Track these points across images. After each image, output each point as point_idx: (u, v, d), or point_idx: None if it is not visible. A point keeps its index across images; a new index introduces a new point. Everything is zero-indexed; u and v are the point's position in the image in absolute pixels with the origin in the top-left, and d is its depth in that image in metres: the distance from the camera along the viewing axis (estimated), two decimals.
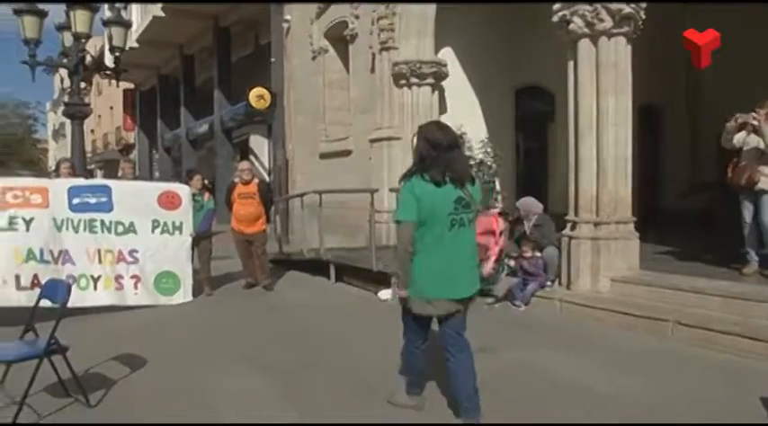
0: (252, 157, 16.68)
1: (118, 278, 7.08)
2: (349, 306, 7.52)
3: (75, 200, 7.00)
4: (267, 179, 14.43)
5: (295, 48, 13.36)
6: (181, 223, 7.48)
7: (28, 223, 6.74)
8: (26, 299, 6.35)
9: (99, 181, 8.72)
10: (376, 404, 4.10)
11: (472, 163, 9.90)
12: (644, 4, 6.42)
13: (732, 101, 6.61)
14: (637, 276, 6.42)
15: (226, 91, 18.32)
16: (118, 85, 25.94)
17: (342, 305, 7.61)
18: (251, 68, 16.88)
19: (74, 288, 5.14)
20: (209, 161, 19.17)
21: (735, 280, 5.95)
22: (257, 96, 13.87)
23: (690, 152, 12.29)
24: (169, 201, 7.45)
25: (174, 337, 6.12)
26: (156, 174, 23.04)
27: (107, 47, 10.92)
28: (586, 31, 6.46)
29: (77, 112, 10.23)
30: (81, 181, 7.35)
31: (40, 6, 10.48)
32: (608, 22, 6.34)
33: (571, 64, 6.70)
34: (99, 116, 32.87)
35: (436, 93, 10.19)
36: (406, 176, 3.63)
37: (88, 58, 10.80)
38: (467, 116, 10.36)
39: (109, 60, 12.43)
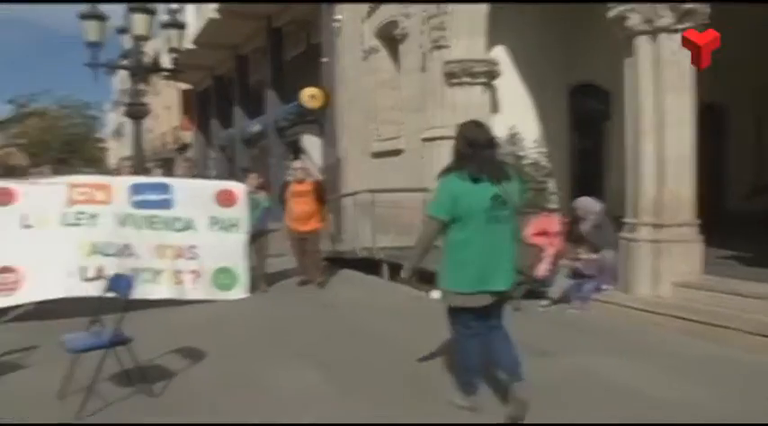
0: (304, 156, 16.86)
1: (177, 272, 7.30)
2: (401, 304, 7.55)
3: (137, 197, 7.28)
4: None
5: (346, 48, 13.46)
6: (237, 220, 7.66)
7: (93, 218, 7.05)
8: (91, 291, 6.62)
9: (159, 178, 9.00)
10: (430, 403, 4.11)
11: (526, 163, 9.81)
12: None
13: None
14: (699, 281, 6.22)
15: (278, 90, 18.57)
16: (177, 86, 26.75)
17: (394, 303, 7.64)
18: (303, 68, 17.06)
19: (136, 281, 5.30)
20: (262, 160, 19.48)
21: None
22: (309, 96, 14.02)
23: (754, 153, 11.84)
24: (226, 199, 7.65)
25: (231, 332, 6.27)
26: (212, 173, 23.53)
27: (165, 48, 11.22)
28: (645, 27, 6.30)
29: (137, 112, 10.56)
30: (142, 179, 7.64)
31: (102, 10, 10.87)
32: (668, 18, 6.16)
33: (628, 61, 6.55)
34: (157, 116, 33.82)
35: (488, 92, 10.10)
36: (445, 172, 3.75)
37: (147, 60, 11.13)
38: (520, 115, 10.26)
39: (167, 62, 12.79)
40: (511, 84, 10.63)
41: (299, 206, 8.34)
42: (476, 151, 3.67)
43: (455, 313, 3.84)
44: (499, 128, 9.66)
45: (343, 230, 12.07)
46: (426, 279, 7.93)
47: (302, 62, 17.44)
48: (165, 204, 7.35)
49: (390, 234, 10.17)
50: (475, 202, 3.62)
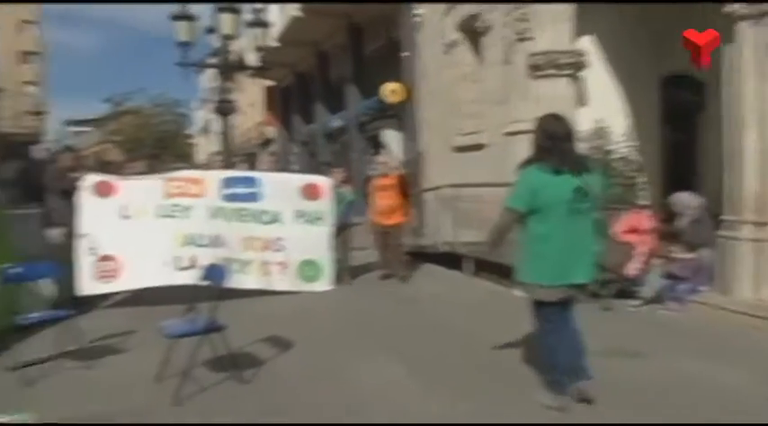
0: (384, 151, 16.95)
1: (265, 264, 7.51)
2: (484, 300, 7.48)
3: (227, 191, 7.55)
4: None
5: (426, 42, 13.39)
6: (323, 213, 7.80)
7: (187, 210, 7.37)
8: (184, 279, 6.93)
9: (249, 172, 9.28)
10: (515, 402, 4.06)
11: (614, 157, 9.47)
12: None
13: None
14: None
15: (359, 86, 18.73)
16: (260, 83, 27.49)
17: (477, 298, 7.58)
18: (383, 63, 17.13)
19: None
20: (343, 154, 19.73)
21: None
22: (390, 91, 14.04)
23: None
24: (312, 192, 7.80)
25: (316, 323, 6.40)
26: (294, 167, 24.05)
27: (250, 47, 11.54)
28: (748, 11, 5.93)
29: (225, 109, 10.95)
30: (233, 173, 7.91)
31: (192, 11, 11.32)
32: None
33: (728, 48, 6.18)
34: (242, 112, 34.90)
35: (575, 84, 9.80)
36: (525, 165, 3.77)
37: (234, 58, 11.49)
38: (608, 108, 9.90)
39: (252, 59, 13.18)
40: (599, 76, 10.27)
41: (383, 200, 8.41)
42: (555, 144, 3.69)
43: (538, 307, 3.84)
44: (586, 121, 9.36)
45: (424, 224, 12.06)
46: (509, 274, 7.88)
47: (382, 57, 17.51)
48: (254, 197, 7.59)
49: (472, 228, 10.05)
50: (556, 194, 3.63)
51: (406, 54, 13.98)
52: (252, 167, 22.26)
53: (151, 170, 13.57)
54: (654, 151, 10.37)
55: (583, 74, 9.93)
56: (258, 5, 12.69)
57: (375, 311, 7.00)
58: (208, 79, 49.64)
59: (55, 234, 6.92)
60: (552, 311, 3.79)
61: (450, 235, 9.32)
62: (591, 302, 6.40)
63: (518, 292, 7.33)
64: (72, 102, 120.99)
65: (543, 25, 9.62)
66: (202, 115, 56.25)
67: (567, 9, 9.50)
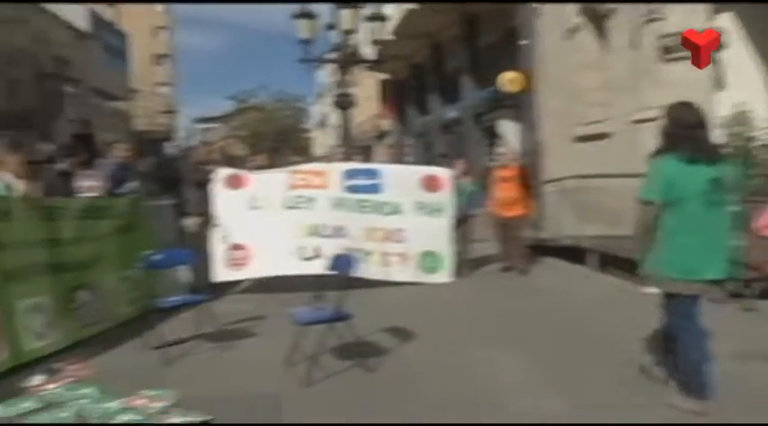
0: (500, 142, 16.64)
1: (386, 254, 7.59)
2: (610, 296, 7.14)
3: (350, 182, 7.70)
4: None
5: (546, 29, 12.94)
6: (443, 205, 7.79)
7: (310, 201, 7.58)
8: (308, 269, 7.21)
9: (370, 165, 9.43)
10: (644, 403, 3.84)
11: (756, 144, 8.72)
12: None
13: None
14: None
15: (474, 76, 18.49)
16: (375, 76, 27.85)
17: (602, 294, 7.25)
18: (499, 52, 16.77)
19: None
20: (458, 146, 19.59)
21: None
22: (508, 80, 13.71)
23: None
24: (432, 184, 7.80)
25: (437, 315, 6.38)
26: (409, 159, 24.20)
27: (366, 41, 11.67)
28: None
29: (345, 103, 11.17)
30: (355, 165, 8.07)
31: (312, 9, 11.63)
32: None
33: None
34: (357, 105, 35.52)
35: (712, 66, 9.09)
36: (657, 154, 3.60)
37: (352, 53, 11.68)
38: (750, 91, 9.12)
39: (369, 53, 13.35)
40: (739, 57, 9.47)
41: (504, 191, 8.25)
42: (687, 132, 3.53)
43: (672, 303, 3.66)
44: (724, 105, 8.69)
45: (543, 217, 11.71)
46: (637, 270, 7.47)
47: (498, 47, 17.15)
48: (375, 189, 7.70)
49: (596, 222, 9.65)
50: (691, 185, 3.48)
51: (524, 42, 13.59)
52: (367, 160, 22.64)
53: (271, 163, 14.12)
54: None
55: (721, 55, 9.20)
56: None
57: (495, 304, 6.87)
58: (325, 74, 51.10)
59: (190, 223, 7.36)
60: (685, 307, 3.61)
61: (573, 228, 8.97)
62: (732, 302, 5.96)
63: (648, 289, 6.96)
64: (200, 100, 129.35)
65: (675, 3, 9.00)
66: (319, 109, 57.92)
67: None
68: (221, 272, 7.30)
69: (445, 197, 7.82)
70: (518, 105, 14.68)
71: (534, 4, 13.09)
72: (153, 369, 4.72)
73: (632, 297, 6.97)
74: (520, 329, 5.77)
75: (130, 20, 50.87)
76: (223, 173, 7.61)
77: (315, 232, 7.52)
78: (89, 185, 6.55)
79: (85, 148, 7.69)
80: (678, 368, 3.76)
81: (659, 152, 3.63)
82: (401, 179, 7.86)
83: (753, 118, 8.87)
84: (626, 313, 6.16)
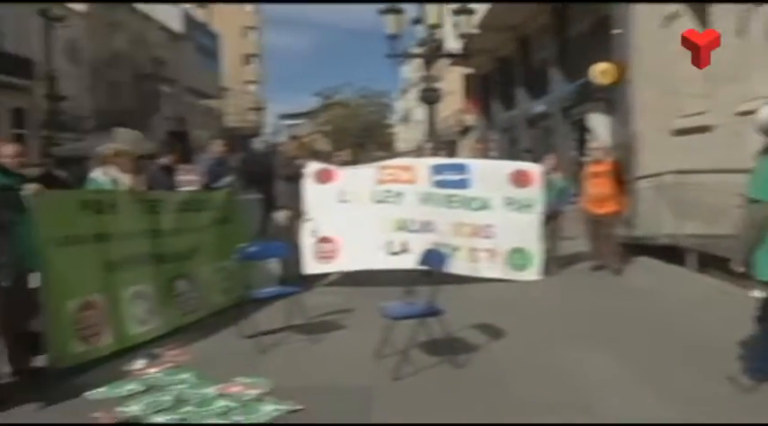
0: (590, 136, 16.11)
1: (474, 250, 7.51)
2: (710, 298, 6.74)
3: (438, 177, 7.66)
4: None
5: (641, 17, 12.36)
6: (533, 201, 7.62)
7: (398, 196, 7.61)
8: (395, 263, 7.25)
9: (458, 160, 9.35)
10: (745, 415, 3.60)
11: None
12: None
13: None
14: None
15: (563, 68, 17.96)
16: (459, 71, 27.64)
17: (701, 296, 6.86)
18: (589, 43, 16.21)
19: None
20: (545, 140, 19.13)
21: None
22: (600, 71, 13.21)
23: None
24: (522, 179, 7.64)
25: (526, 312, 6.24)
26: (493, 155, 23.88)
27: (452, 35, 11.58)
28: None
29: (431, 97, 11.12)
30: (443, 160, 8.02)
31: (399, 5, 11.66)
32: None
33: None
34: (441, 100, 35.36)
35: None
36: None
37: (438, 47, 11.61)
38: None
39: (453, 47, 13.23)
40: None
41: (596, 187, 7.95)
42: None
43: None
44: None
45: (636, 214, 11.23)
46: (741, 272, 7.02)
47: (589, 37, 16.59)
48: (463, 184, 7.63)
49: (695, 219, 9.15)
50: None
51: (617, 31, 13.06)
52: (452, 155, 22.49)
53: (355, 158, 14.29)
54: None
55: None
56: None
57: (585, 303, 6.64)
58: (409, 70, 51.19)
59: (280, 216, 7.54)
60: None
61: (670, 226, 8.54)
62: None
63: (757, 292, 6.53)
64: (286, 97, 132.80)
65: None
66: (402, 105, 58.09)
67: None
68: (311, 265, 7.43)
69: (535, 192, 7.65)
70: (610, 98, 14.15)
71: None
72: (246, 357, 4.86)
73: (733, 299, 6.57)
74: (612, 329, 5.55)
75: (221, 20, 52.85)
76: (313, 167, 7.74)
77: (402, 227, 7.53)
78: (188, 179, 6.85)
79: (181, 144, 8.04)
80: None
81: None
82: (490, 174, 7.75)
83: None
84: (725, 315, 5.81)
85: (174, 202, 6.00)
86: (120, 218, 5.21)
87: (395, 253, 7.37)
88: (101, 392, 4.19)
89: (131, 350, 4.96)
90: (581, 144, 17.06)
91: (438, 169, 7.72)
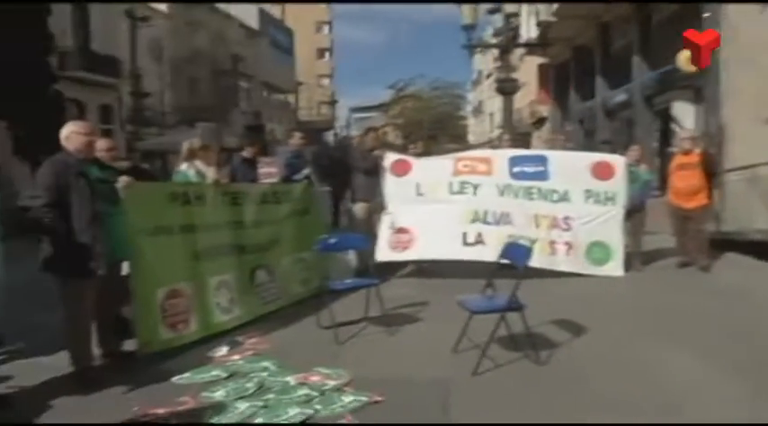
0: (673, 126, 15.42)
1: (552, 243, 7.33)
2: None
3: (516, 169, 7.54)
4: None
5: None
6: (614, 194, 7.36)
7: (475, 188, 7.53)
8: (469, 255, 7.22)
9: (537, 151, 9.14)
10: None
11: None
12: None
13: None
14: None
15: (645, 56, 17.24)
16: (534, 61, 27.04)
17: None
18: (675, 28, 15.45)
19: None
20: (624, 131, 18.45)
21: None
22: (688, 58, 12.60)
23: None
24: (603, 172, 7.40)
25: (607, 309, 6.04)
26: (569, 146, 23.25)
27: (531, 24, 11.32)
28: None
29: (508, 88, 10.90)
30: (521, 152, 7.88)
31: None
32: None
33: None
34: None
35: None
36: None
37: (515, 36, 11.36)
38: None
39: (529, 36, 12.91)
40: None
41: (685, 180, 7.56)
42: None
43: None
44: None
45: (725, 208, 10.66)
46: None
47: (675, 21, 15.83)
48: (542, 175, 7.47)
49: None
50: None
51: (707, 15, 12.42)
52: (527, 147, 22.07)
53: (428, 151, 14.17)
54: None
55: None
56: None
57: (670, 302, 6.34)
58: (481, 61, 50.52)
59: (358, 208, 7.58)
60: None
61: (763, 221, 8.07)
62: None
63: None
64: (357, 91, 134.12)
65: None
66: (474, 96, 57.44)
67: None
68: (384, 252, 7.43)
69: (617, 185, 7.38)
70: (697, 85, 13.49)
71: None
72: (325, 348, 4.91)
73: None
74: (699, 329, 5.29)
75: (295, 16, 53.72)
76: (391, 158, 7.74)
77: (478, 218, 7.43)
78: (268, 172, 6.99)
79: (258, 138, 8.21)
80: None
81: None
82: (570, 166, 7.54)
83: None
84: None
85: (256, 194, 6.14)
86: (206, 210, 5.38)
87: (469, 245, 7.29)
88: (186, 377, 4.32)
89: (214, 337, 5.11)
90: (664, 135, 16.37)
91: (516, 161, 7.58)
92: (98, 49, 23.48)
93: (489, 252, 6.77)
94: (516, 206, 7.42)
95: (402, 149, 11.72)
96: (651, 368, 4.37)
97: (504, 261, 4.71)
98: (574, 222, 7.33)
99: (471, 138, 53.08)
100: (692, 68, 12.57)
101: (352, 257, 7.09)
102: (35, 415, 3.73)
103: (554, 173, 7.45)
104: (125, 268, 4.70)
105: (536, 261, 7.13)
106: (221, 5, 35.85)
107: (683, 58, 12.65)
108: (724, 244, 9.03)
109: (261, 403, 3.84)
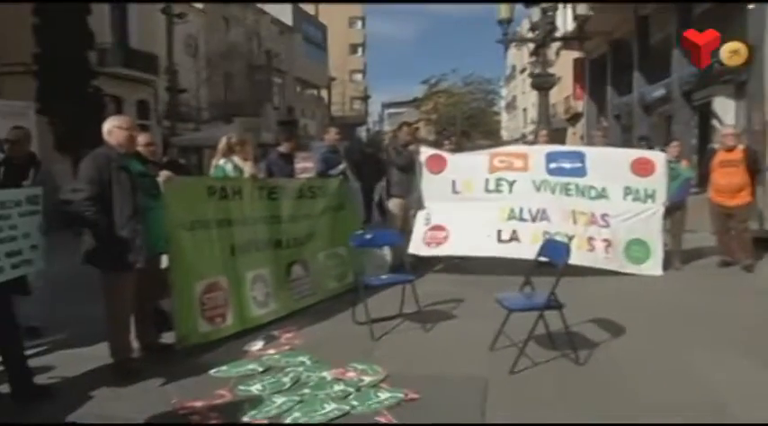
0: (714, 122, 15.03)
1: (590, 239, 7.20)
2: None
3: (552, 165, 7.44)
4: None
5: None
6: (654, 191, 7.21)
7: (511, 185, 7.47)
8: (504, 252, 7.16)
9: (573, 147, 9.02)
10: None
11: None
12: None
13: None
14: None
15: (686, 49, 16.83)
16: (569, 56, 26.63)
17: None
18: (717, 21, 15.07)
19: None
20: (662, 127, 18.06)
21: None
22: (731, 52, 12.23)
23: None
24: (642, 168, 7.25)
25: (646, 309, 5.92)
26: (606, 142, 22.88)
27: (566, 18, 11.15)
28: None
29: (544, 83, 10.75)
30: (558, 148, 7.76)
31: None
32: None
33: None
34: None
35: None
36: None
37: (552, 30, 11.20)
38: None
39: (565, 31, 12.70)
40: None
41: (727, 177, 7.35)
42: None
43: None
44: None
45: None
46: None
47: (717, 14, 15.43)
48: (579, 172, 7.36)
49: None
50: None
51: (752, 6, 12.07)
52: (561, 142, 21.79)
53: (460, 147, 14.07)
54: None
55: None
56: None
57: (712, 302, 6.17)
58: (515, 56, 50.03)
59: (393, 204, 7.57)
60: None
61: None
62: None
63: None
64: (389, 86, 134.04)
65: None
66: (507, 92, 56.93)
67: None
68: (418, 247, 7.41)
69: (657, 182, 7.22)
70: (740, 81, 13.12)
71: None
72: (359, 343, 4.91)
73: None
74: (741, 329, 5.15)
75: (328, 11, 53.84)
76: (426, 153, 7.71)
77: (514, 216, 7.35)
78: (304, 166, 7.01)
79: (293, 133, 8.24)
80: None
81: None
82: (608, 162, 7.41)
83: None
84: None
85: (292, 189, 6.17)
86: (243, 204, 5.42)
87: (504, 242, 7.22)
88: (223, 370, 4.36)
89: (250, 331, 5.15)
90: (704, 131, 15.98)
91: (553, 156, 7.48)
92: (136, 46, 23.88)
93: (524, 249, 6.72)
94: (553, 202, 7.33)
95: (435, 145, 11.67)
96: (692, 368, 4.28)
97: (543, 258, 4.63)
98: (612, 219, 7.21)
99: (504, 134, 52.64)
100: (734, 63, 12.29)
101: (386, 253, 7.07)
102: (75, 406, 3.80)
103: (592, 169, 7.33)
104: (164, 261, 4.76)
105: (574, 258, 7.00)
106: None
107: (726, 52, 12.35)
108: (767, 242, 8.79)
109: (297, 398, 3.85)
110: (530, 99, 42.79)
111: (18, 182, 4.80)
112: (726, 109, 14.82)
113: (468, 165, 7.65)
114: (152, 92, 25.34)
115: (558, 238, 6.98)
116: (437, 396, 3.83)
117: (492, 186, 7.49)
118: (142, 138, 4.88)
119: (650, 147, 9.20)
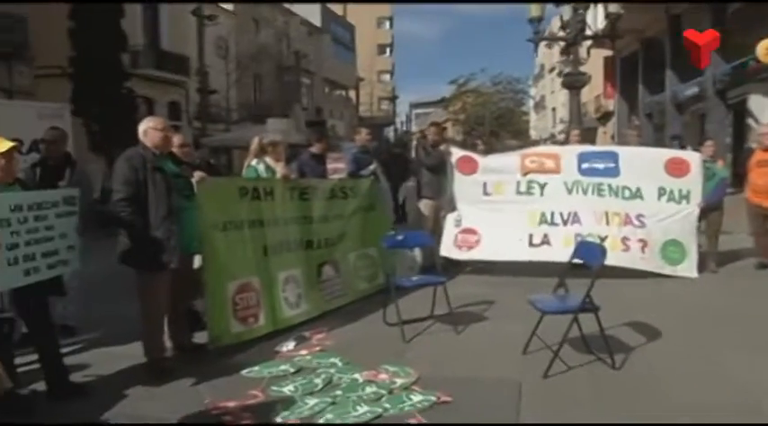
0: (750, 121, 14.72)
1: (624, 240, 7.08)
2: None
3: (585, 165, 7.34)
4: None
5: None
6: (689, 191, 7.07)
7: (542, 187, 7.39)
8: (535, 255, 7.10)
9: (607, 147, 8.89)
10: None
11: None
12: None
13: None
14: None
15: (720, 47, 16.48)
16: (599, 54, 26.28)
17: None
18: (753, 17, 14.74)
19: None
20: (695, 126, 17.73)
21: None
22: (766, 49, 11.99)
23: None
24: (677, 168, 7.11)
25: (683, 311, 5.81)
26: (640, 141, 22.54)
27: (597, 17, 11.02)
28: None
29: (576, 82, 10.60)
30: (590, 148, 7.66)
31: None
32: None
33: None
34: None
35: None
36: None
37: (584, 28, 11.05)
38: None
39: (596, 29, 12.52)
40: None
41: (764, 177, 7.15)
42: None
43: None
44: None
45: None
46: None
47: (753, 11, 15.09)
48: (612, 172, 7.25)
49: None
50: None
51: None
52: (591, 142, 21.54)
53: (489, 147, 13.98)
54: None
55: None
56: None
57: (752, 305, 6.01)
58: (544, 55, 49.55)
59: (424, 205, 7.54)
60: None
61: None
62: None
63: None
64: (416, 86, 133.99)
65: None
66: (535, 91, 56.43)
67: None
68: (449, 249, 7.38)
69: (692, 182, 7.07)
70: None
71: None
72: (391, 345, 4.89)
73: None
74: None
75: (356, 12, 53.97)
76: (457, 154, 7.66)
77: (545, 220, 7.27)
78: (335, 167, 7.02)
79: (323, 134, 8.25)
80: None
81: None
82: (642, 162, 7.28)
83: None
84: None
85: (324, 190, 6.18)
86: (275, 205, 5.45)
87: (535, 245, 7.14)
88: (255, 370, 4.37)
89: (281, 332, 5.16)
90: (738, 129, 15.66)
91: (585, 157, 7.37)
92: (167, 48, 24.21)
93: (556, 253, 6.66)
94: (585, 203, 7.23)
95: (463, 145, 11.61)
96: (727, 370, 4.20)
97: (577, 260, 4.56)
98: (648, 219, 7.08)
99: (533, 134, 52.18)
100: None
101: (417, 254, 7.05)
102: (109, 405, 3.84)
103: (625, 169, 7.21)
104: (197, 261, 4.80)
105: (610, 259, 6.88)
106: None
107: (762, 49, 12.07)
108: None
109: (329, 400, 3.84)
110: (559, 98, 42.32)
111: (54, 183, 4.87)
112: (762, 107, 14.51)
113: (499, 167, 7.58)
114: (183, 93, 25.68)
115: (589, 239, 6.91)
116: (470, 399, 3.79)
117: (523, 188, 7.42)
118: (176, 139, 4.93)
119: (683, 147, 9.04)
